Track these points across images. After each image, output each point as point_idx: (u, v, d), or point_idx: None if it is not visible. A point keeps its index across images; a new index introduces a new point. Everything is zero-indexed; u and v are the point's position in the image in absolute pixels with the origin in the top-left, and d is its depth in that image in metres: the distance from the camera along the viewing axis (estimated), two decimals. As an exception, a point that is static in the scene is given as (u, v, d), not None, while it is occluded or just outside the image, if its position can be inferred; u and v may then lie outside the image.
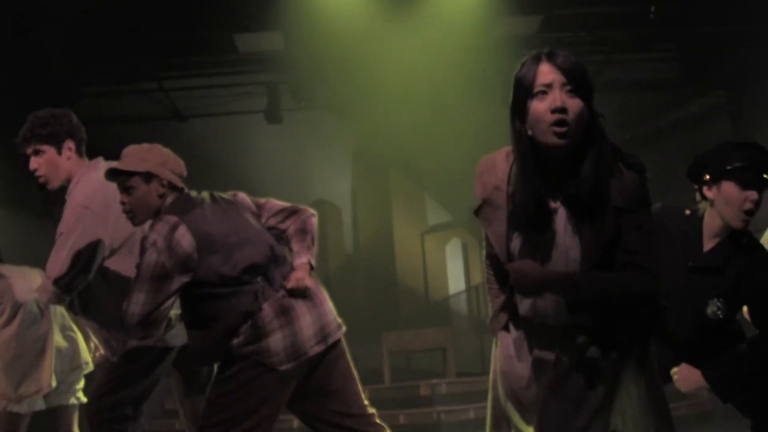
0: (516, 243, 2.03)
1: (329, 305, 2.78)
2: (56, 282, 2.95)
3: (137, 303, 2.53)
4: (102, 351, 3.12)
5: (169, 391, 3.49)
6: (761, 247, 2.73)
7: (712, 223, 2.70)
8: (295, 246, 2.82)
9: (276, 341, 2.58)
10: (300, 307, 2.66)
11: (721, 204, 2.64)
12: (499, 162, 2.08)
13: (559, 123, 1.89)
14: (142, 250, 2.57)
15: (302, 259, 2.77)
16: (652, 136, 8.59)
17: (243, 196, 2.88)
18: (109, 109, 8.37)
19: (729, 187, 2.62)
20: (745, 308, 2.75)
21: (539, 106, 1.91)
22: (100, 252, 3.01)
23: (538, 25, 7.33)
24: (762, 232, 3.33)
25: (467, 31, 7.02)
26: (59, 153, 3.13)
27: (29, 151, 3.13)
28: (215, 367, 3.24)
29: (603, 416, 2.00)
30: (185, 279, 2.58)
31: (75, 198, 3.05)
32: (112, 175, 2.73)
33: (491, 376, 2.25)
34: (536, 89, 1.92)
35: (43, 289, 2.99)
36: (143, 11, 6.91)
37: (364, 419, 2.77)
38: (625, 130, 8.51)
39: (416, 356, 8.64)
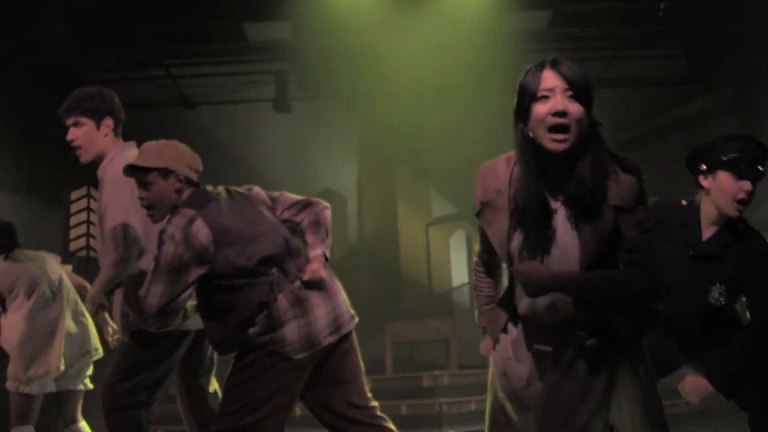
0: (517, 242, 2.11)
1: (343, 296, 2.83)
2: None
3: (155, 294, 2.58)
4: (120, 335, 3.15)
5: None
6: (757, 232, 2.81)
7: (708, 212, 2.78)
8: (309, 238, 2.87)
9: (291, 331, 2.63)
10: (315, 298, 2.71)
11: (715, 193, 2.73)
12: (500, 167, 2.18)
13: (557, 129, 1.98)
14: (160, 243, 2.62)
15: (317, 250, 2.82)
16: (658, 132, 8.60)
17: (258, 190, 2.92)
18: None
19: (724, 177, 2.70)
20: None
21: (541, 109, 2.00)
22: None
23: (547, 21, 7.32)
24: (765, 232, 3.38)
25: (476, 25, 7.00)
26: (98, 128, 3.24)
27: (70, 121, 3.23)
28: (215, 356, 3.29)
29: (603, 411, 2.08)
30: (202, 271, 2.63)
31: (111, 171, 3.12)
32: (130, 170, 2.79)
33: (489, 379, 2.32)
34: (539, 94, 2.01)
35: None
36: (154, -2, 6.94)
37: (368, 411, 2.82)
38: (632, 125, 8.53)
39: (419, 347, 8.65)
